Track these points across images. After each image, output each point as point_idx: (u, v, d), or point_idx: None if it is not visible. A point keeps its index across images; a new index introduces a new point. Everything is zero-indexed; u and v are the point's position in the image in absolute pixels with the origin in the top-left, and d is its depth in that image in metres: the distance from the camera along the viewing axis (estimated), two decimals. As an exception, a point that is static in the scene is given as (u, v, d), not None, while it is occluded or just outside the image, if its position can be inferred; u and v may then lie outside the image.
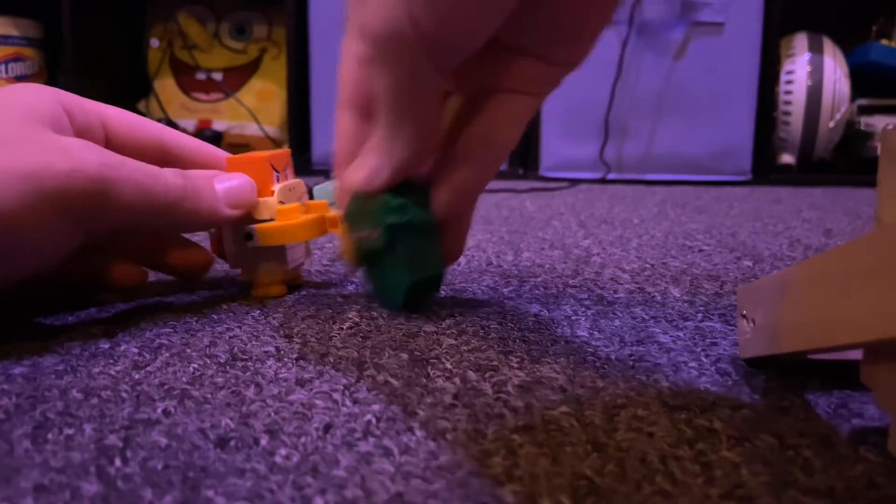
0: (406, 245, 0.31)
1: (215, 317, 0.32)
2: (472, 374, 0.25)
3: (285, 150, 0.37)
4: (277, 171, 0.36)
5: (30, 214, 0.26)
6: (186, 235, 0.37)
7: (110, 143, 0.33)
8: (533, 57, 0.31)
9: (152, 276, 0.41)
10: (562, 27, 0.30)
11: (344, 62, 0.32)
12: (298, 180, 0.37)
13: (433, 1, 0.25)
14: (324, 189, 0.59)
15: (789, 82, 1.22)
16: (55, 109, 0.29)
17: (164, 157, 0.35)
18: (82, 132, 0.31)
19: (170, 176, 0.31)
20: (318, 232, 0.36)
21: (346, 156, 0.32)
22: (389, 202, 0.30)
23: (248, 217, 0.34)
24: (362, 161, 0.31)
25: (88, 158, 0.27)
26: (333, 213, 0.36)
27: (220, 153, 0.37)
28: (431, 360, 0.27)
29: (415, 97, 0.29)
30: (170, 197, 0.30)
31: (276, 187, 0.35)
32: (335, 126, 0.33)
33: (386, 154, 0.30)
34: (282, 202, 0.35)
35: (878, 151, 0.20)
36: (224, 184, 0.33)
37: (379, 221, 0.31)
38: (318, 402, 0.23)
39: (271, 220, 0.35)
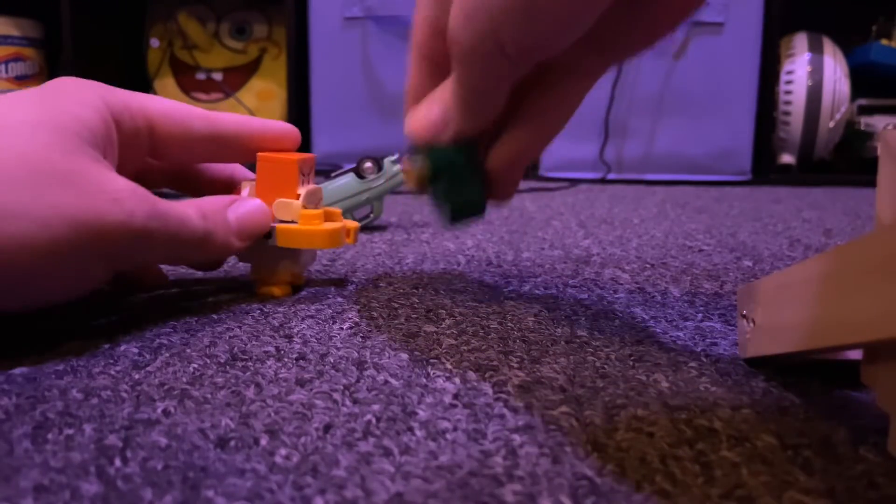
0: (446, 179, 0.34)
1: (215, 317, 0.32)
2: (472, 374, 0.25)
3: (311, 155, 0.37)
4: (303, 175, 0.36)
5: (74, 258, 0.26)
6: None
7: (156, 142, 0.33)
8: (598, 51, 0.32)
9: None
10: (636, 32, 0.31)
11: (418, 17, 0.33)
12: (319, 186, 0.37)
13: (520, 25, 0.27)
14: (323, 189, 0.59)
15: (789, 82, 1.22)
16: (104, 122, 0.29)
17: (216, 150, 0.35)
18: (129, 139, 0.31)
19: (195, 219, 0.31)
20: (336, 242, 0.36)
21: (414, 100, 0.35)
22: (424, 151, 0.34)
23: None
24: (428, 113, 0.33)
25: (138, 211, 0.28)
26: (351, 223, 0.37)
27: (275, 130, 0.36)
28: (431, 360, 0.27)
29: (490, 90, 0.31)
30: (193, 240, 0.31)
31: (303, 191, 0.35)
32: (410, 66, 0.35)
33: (453, 121, 0.32)
34: (305, 206, 0.35)
35: (878, 151, 0.20)
36: (237, 212, 0.33)
37: (428, 157, 0.34)
38: (318, 402, 0.23)
39: (292, 222, 0.35)
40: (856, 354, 0.24)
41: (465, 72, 0.30)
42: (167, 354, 0.27)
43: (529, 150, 0.35)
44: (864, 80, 1.25)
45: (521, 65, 0.29)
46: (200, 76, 1.50)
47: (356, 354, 0.27)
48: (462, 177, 0.35)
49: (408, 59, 0.35)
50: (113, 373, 0.25)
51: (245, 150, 0.35)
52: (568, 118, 0.35)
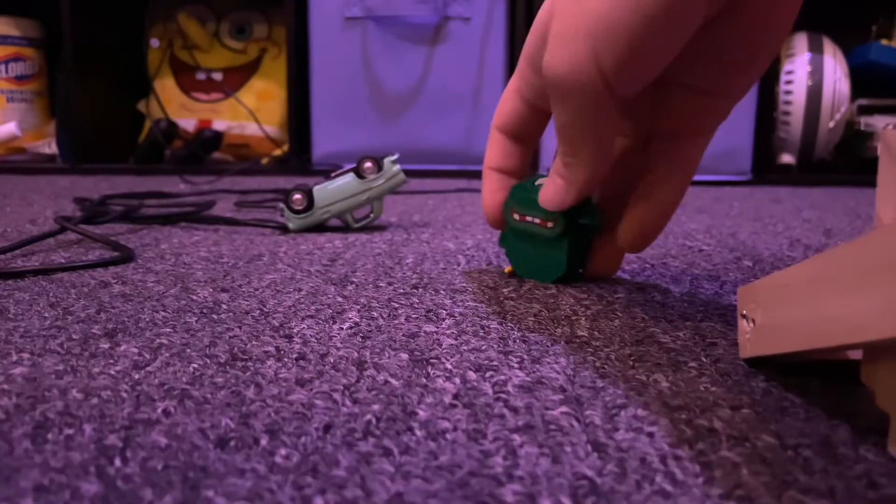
0: (578, 240, 0.38)
1: (215, 317, 0.32)
2: (472, 374, 0.25)
3: None
4: None
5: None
6: None
7: None
8: (701, 93, 0.33)
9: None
10: (731, 59, 0.31)
11: (507, 95, 0.38)
12: None
13: (617, 45, 0.28)
14: (323, 189, 0.59)
15: (789, 82, 1.22)
16: None
17: None
18: None
19: None
20: None
21: (497, 166, 0.40)
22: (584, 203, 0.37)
23: None
24: (550, 183, 0.36)
25: None
26: None
27: None
28: (431, 360, 0.27)
29: (593, 126, 0.32)
30: None
31: None
32: (489, 140, 0.40)
33: (569, 179, 0.34)
34: None
35: (878, 151, 0.20)
36: None
37: (557, 216, 0.37)
38: (318, 402, 0.23)
39: None
40: (856, 354, 0.24)
41: (566, 106, 0.31)
42: (167, 354, 0.27)
43: (657, 222, 0.36)
44: (864, 80, 1.25)
45: (620, 89, 0.30)
46: (200, 76, 1.50)
47: (356, 354, 0.27)
48: (591, 234, 0.38)
49: (490, 139, 0.40)
50: (113, 373, 0.25)
51: None
52: (690, 179, 0.36)
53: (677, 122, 0.34)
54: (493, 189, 0.40)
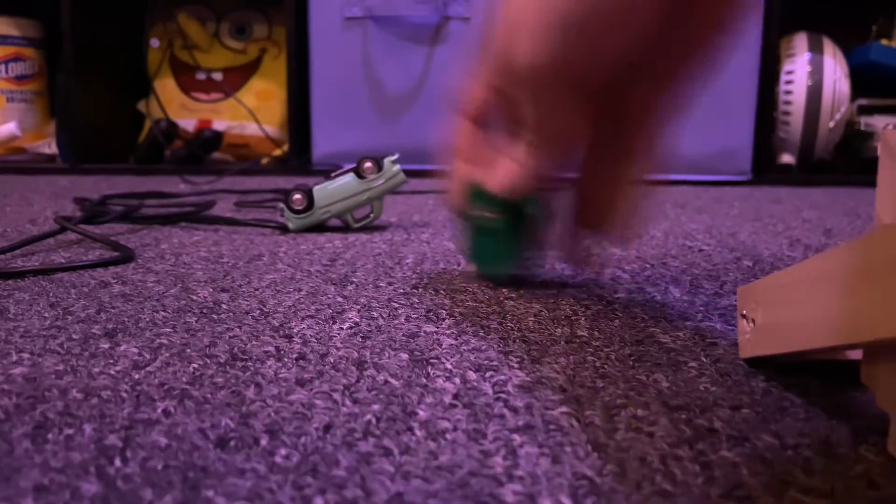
0: (513, 229, 0.37)
1: (215, 317, 0.32)
2: (472, 374, 0.25)
3: None
4: None
5: None
6: None
7: None
8: (653, 80, 0.34)
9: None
10: (686, 52, 0.32)
11: (473, 83, 0.37)
12: None
13: (576, 40, 0.29)
14: (323, 189, 0.59)
15: (789, 82, 1.22)
16: None
17: None
18: None
19: None
20: None
21: (463, 153, 0.38)
22: (489, 199, 0.36)
23: None
24: (502, 167, 0.35)
25: None
26: None
27: None
28: (431, 360, 0.27)
29: (554, 120, 0.32)
30: None
31: None
32: (455, 128, 0.39)
33: (524, 164, 0.34)
34: None
35: (878, 151, 0.20)
36: None
37: (497, 203, 0.36)
38: (318, 402, 0.23)
39: None
40: (856, 354, 0.24)
41: (532, 102, 0.32)
42: (167, 354, 0.27)
43: (628, 207, 0.36)
44: (864, 80, 1.25)
45: (579, 81, 0.31)
46: (200, 76, 1.50)
47: (356, 354, 0.27)
48: (497, 233, 0.37)
49: (452, 123, 0.38)
50: (113, 373, 0.25)
51: None
52: (654, 163, 0.37)
53: (634, 111, 0.35)
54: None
